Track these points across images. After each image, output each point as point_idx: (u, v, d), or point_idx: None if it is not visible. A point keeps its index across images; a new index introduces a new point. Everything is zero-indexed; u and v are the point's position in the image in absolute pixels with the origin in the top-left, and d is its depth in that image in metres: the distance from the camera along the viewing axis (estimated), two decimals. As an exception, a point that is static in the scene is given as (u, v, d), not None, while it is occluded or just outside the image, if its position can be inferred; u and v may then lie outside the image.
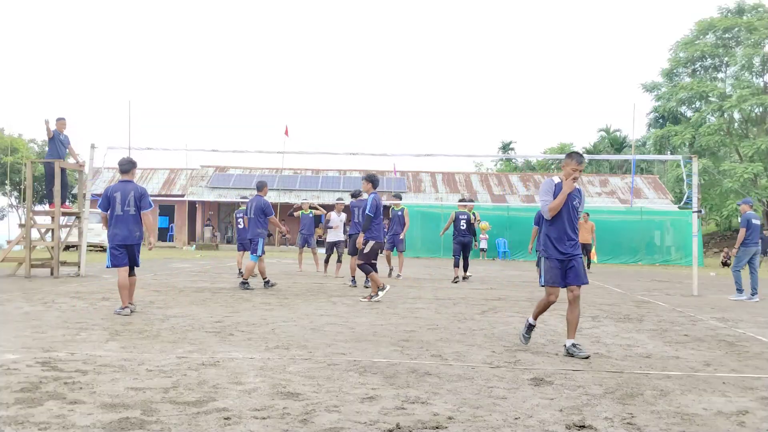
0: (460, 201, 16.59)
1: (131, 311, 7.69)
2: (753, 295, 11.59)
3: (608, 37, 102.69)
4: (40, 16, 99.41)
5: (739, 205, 12.48)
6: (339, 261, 14.80)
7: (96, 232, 24.52)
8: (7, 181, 38.37)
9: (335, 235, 14.78)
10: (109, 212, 7.96)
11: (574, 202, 5.87)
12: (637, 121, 59.27)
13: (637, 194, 37.19)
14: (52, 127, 13.26)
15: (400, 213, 15.32)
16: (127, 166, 8.14)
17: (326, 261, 15.21)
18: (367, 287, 12.05)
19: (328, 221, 14.90)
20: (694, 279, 12.67)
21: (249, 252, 11.57)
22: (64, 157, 13.52)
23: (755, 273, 11.77)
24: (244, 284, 11.17)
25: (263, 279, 11.56)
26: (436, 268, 19.60)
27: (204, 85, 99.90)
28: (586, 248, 20.11)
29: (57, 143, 13.28)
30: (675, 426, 3.64)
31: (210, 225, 37.03)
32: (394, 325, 7.26)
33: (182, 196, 36.47)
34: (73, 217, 15.08)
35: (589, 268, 19.97)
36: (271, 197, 35.13)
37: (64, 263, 13.78)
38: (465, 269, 14.58)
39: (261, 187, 11.71)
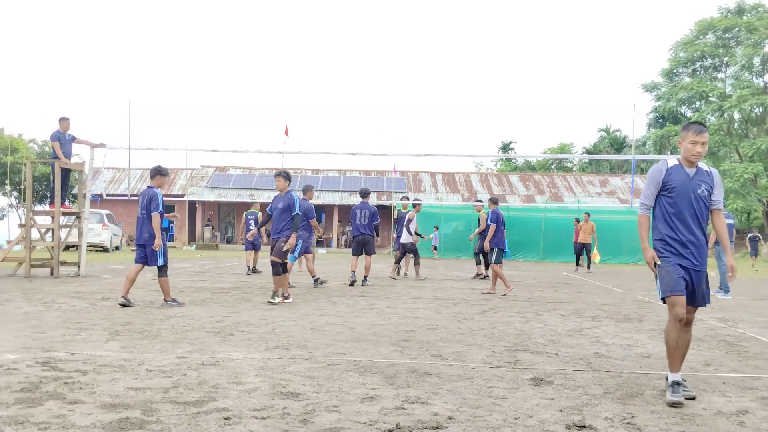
0: (478, 201, 16.98)
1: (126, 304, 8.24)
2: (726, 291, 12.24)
3: (608, 37, 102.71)
4: (41, 16, 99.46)
5: None
6: (417, 263, 14.73)
7: (96, 232, 24.52)
8: (7, 181, 38.37)
9: (405, 236, 14.58)
10: None
11: (699, 190, 4.28)
12: (637, 121, 59.27)
13: (637, 194, 37.21)
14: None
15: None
16: (151, 172, 8.90)
17: (397, 262, 15.00)
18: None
19: (410, 221, 14.66)
20: (694, 279, 12.68)
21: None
22: (70, 157, 13.53)
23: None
24: (317, 281, 11.70)
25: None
26: (436, 268, 19.60)
27: (204, 85, 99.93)
28: (586, 248, 20.16)
29: (62, 143, 13.28)
30: (675, 426, 3.64)
31: (210, 225, 37.03)
32: (394, 325, 7.26)
33: (182, 196, 36.48)
34: (73, 217, 15.08)
35: (589, 268, 19.97)
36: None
37: (64, 263, 13.78)
38: (486, 267, 14.96)
39: (307, 190, 12.04)
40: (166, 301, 8.50)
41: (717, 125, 36.82)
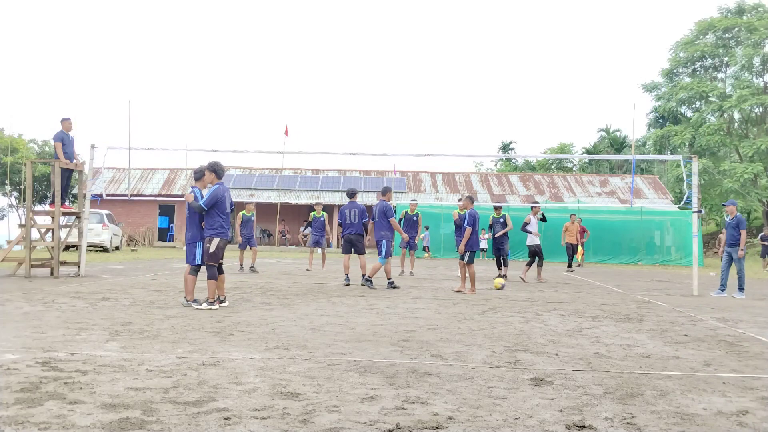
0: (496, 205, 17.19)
1: (198, 305, 8.34)
2: (722, 290, 12.33)
3: (608, 37, 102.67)
4: (41, 16, 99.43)
5: (725, 205, 12.83)
6: (540, 265, 15.14)
7: (96, 232, 24.50)
8: (7, 181, 38.37)
9: (532, 239, 14.95)
10: None
11: None
12: (637, 121, 59.38)
13: (637, 194, 37.21)
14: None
15: (415, 218, 16.16)
16: (196, 175, 8.92)
17: (529, 265, 15.32)
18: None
19: (526, 224, 14.99)
20: (694, 279, 12.67)
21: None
22: (72, 157, 13.53)
23: (727, 271, 12.60)
24: (368, 281, 11.83)
25: (387, 279, 12.02)
26: (436, 268, 19.60)
27: (204, 85, 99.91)
28: (574, 248, 20.19)
29: (65, 144, 13.27)
30: (675, 426, 3.64)
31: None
32: (394, 325, 7.26)
33: (182, 196, 36.44)
34: (73, 217, 15.08)
35: (570, 267, 19.97)
36: (271, 197, 35.17)
37: (64, 263, 13.77)
38: (504, 266, 15.29)
39: (385, 192, 12.35)
40: (186, 299, 8.55)
41: (717, 125, 36.77)
